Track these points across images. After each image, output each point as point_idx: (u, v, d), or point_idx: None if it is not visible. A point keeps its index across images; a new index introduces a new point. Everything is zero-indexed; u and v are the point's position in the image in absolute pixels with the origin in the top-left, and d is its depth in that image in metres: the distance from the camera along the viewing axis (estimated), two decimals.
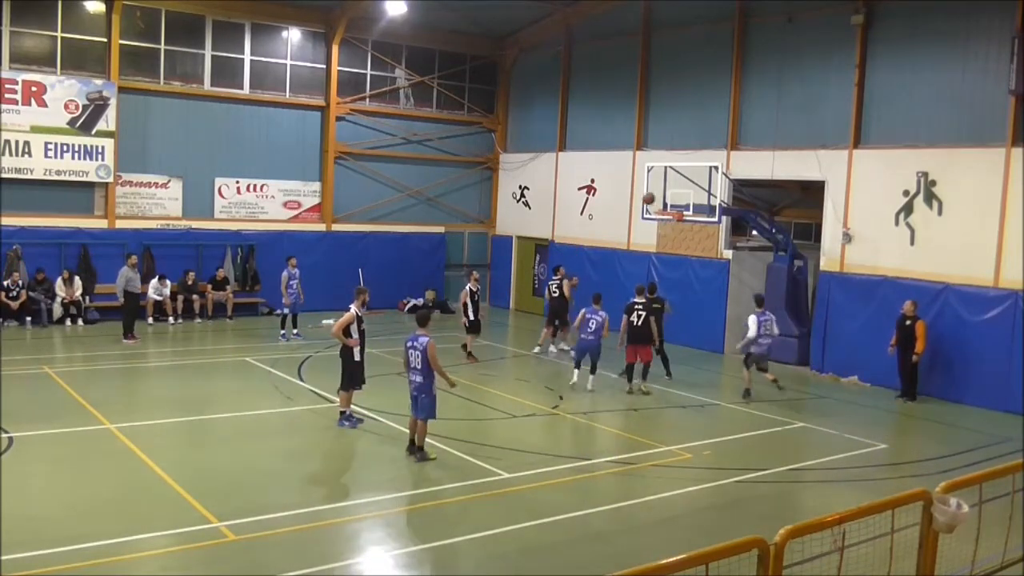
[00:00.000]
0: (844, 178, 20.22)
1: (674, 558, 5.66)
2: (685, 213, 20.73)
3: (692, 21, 23.92)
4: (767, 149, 21.79)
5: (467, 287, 20.84)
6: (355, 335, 13.74)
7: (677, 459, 13.23)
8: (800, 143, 21.16)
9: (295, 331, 21.88)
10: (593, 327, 17.32)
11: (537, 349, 21.74)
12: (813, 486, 12.62)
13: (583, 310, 17.68)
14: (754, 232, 24.04)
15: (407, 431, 12.92)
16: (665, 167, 21.39)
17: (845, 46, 20.25)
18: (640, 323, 17.41)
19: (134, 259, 21.38)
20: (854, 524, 7.10)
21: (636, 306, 17.53)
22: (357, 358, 13.83)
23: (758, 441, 14.71)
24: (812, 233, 23.90)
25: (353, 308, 13.74)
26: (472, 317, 20.50)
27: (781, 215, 25.31)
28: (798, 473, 12.99)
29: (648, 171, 21.82)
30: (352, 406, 14.23)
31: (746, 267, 22.78)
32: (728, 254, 22.81)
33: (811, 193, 22.02)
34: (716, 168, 20.70)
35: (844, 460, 13.53)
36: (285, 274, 21.57)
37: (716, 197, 20.53)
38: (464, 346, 20.40)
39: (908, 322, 17.74)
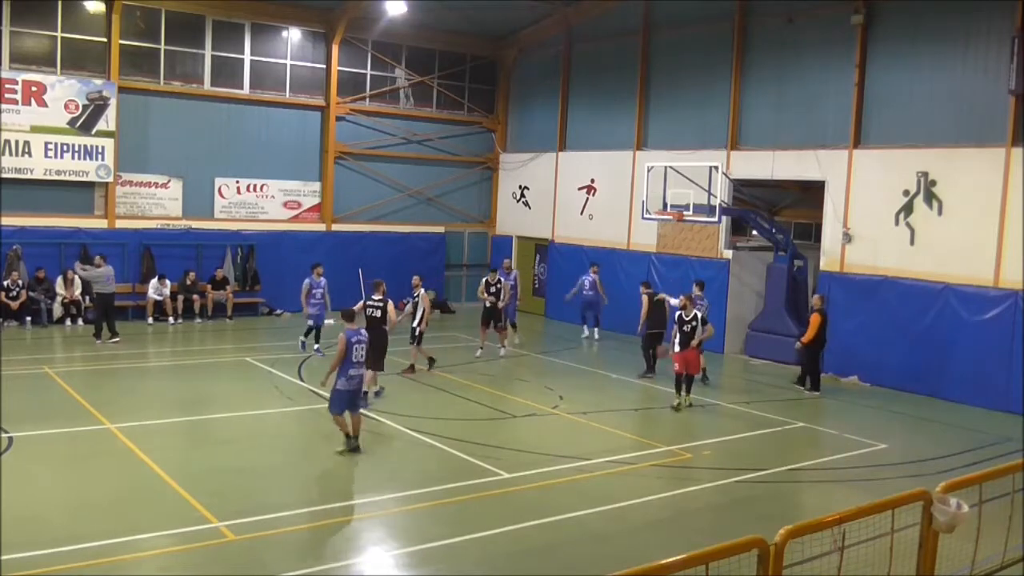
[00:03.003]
0: (844, 178, 20.22)
1: (674, 558, 5.66)
2: (685, 213, 20.73)
3: (692, 21, 23.92)
4: (767, 149, 21.80)
5: (484, 279, 21.14)
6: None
7: (677, 459, 13.23)
8: (800, 143, 21.16)
9: (316, 346, 20.05)
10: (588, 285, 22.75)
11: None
12: (813, 486, 12.63)
13: (582, 277, 22.92)
14: (754, 232, 24.05)
15: (407, 431, 12.90)
16: (665, 167, 21.40)
17: (845, 46, 20.26)
18: (691, 330, 16.43)
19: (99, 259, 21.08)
20: (854, 524, 7.11)
21: (685, 319, 16.50)
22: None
23: (758, 441, 14.71)
24: (812, 233, 23.90)
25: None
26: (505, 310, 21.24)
27: (781, 215, 25.33)
28: (798, 473, 12.99)
29: (648, 171, 21.83)
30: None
31: (746, 267, 22.78)
32: (728, 254, 22.81)
33: (811, 193, 22.04)
34: (716, 168, 20.69)
35: (844, 460, 13.54)
36: (307, 283, 19.85)
37: (716, 197, 20.53)
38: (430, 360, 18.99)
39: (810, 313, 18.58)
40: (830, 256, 20.55)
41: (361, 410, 13.15)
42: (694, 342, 16.40)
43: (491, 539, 9.80)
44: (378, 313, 15.71)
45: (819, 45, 21.05)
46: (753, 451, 14.04)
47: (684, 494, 11.82)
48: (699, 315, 16.57)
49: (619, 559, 9.20)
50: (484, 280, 21.05)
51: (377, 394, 16.06)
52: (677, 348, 16.44)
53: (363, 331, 12.85)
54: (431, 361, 18.74)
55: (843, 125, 20.28)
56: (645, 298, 19.51)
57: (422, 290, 18.62)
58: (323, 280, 20.03)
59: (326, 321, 20.40)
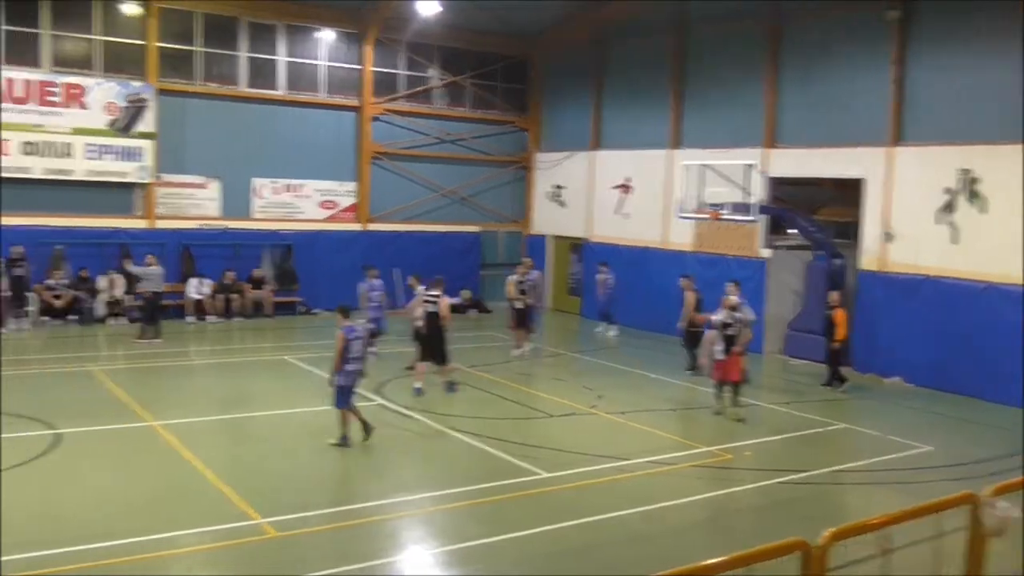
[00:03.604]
0: (883, 175, 19.98)
1: (716, 560, 5.60)
2: (722, 212, 20.59)
3: (726, 17, 23.75)
4: (804, 147, 21.60)
5: (512, 277, 20.94)
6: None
7: (717, 460, 13.15)
8: (837, 140, 20.94)
9: (372, 349, 19.34)
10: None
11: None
12: (856, 488, 12.47)
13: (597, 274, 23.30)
14: (792, 231, 23.82)
15: (447, 430, 12.93)
16: (701, 165, 21.28)
17: (882, 42, 20.01)
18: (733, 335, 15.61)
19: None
20: (899, 527, 7.01)
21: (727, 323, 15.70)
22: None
23: (800, 442, 14.58)
24: (851, 231, 23.62)
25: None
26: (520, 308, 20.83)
27: (819, 213, 25.04)
28: (840, 475, 12.83)
29: (684, 169, 21.71)
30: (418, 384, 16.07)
31: (784, 266, 22.57)
32: (766, 253, 22.63)
33: (849, 191, 21.77)
34: (753, 166, 20.53)
35: (888, 462, 13.35)
36: (363, 287, 19.42)
37: (753, 195, 20.36)
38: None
39: (828, 311, 18.33)
40: (870, 255, 20.32)
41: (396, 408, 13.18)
42: (736, 348, 15.51)
43: (530, 539, 9.80)
44: (433, 308, 16.39)
45: (855, 41, 20.80)
46: (794, 452, 13.91)
47: (725, 495, 11.75)
48: (740, 318, 15.69)
49: (659, 560, 9.14)
50: (514, 278, 20.96)
51: (451, 386, 16.55)
52: (720, 355, 15.52)
53: (359, 327, 13.04)
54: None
55: (881, 122, 20.03)
56: (690, 293, 19.32)
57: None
58: (378, 282, 19.51)
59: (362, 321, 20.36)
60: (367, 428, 13.01)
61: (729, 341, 15.49)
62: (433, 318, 16.41)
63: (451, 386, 16.65)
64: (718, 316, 15.83)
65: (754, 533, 9.98)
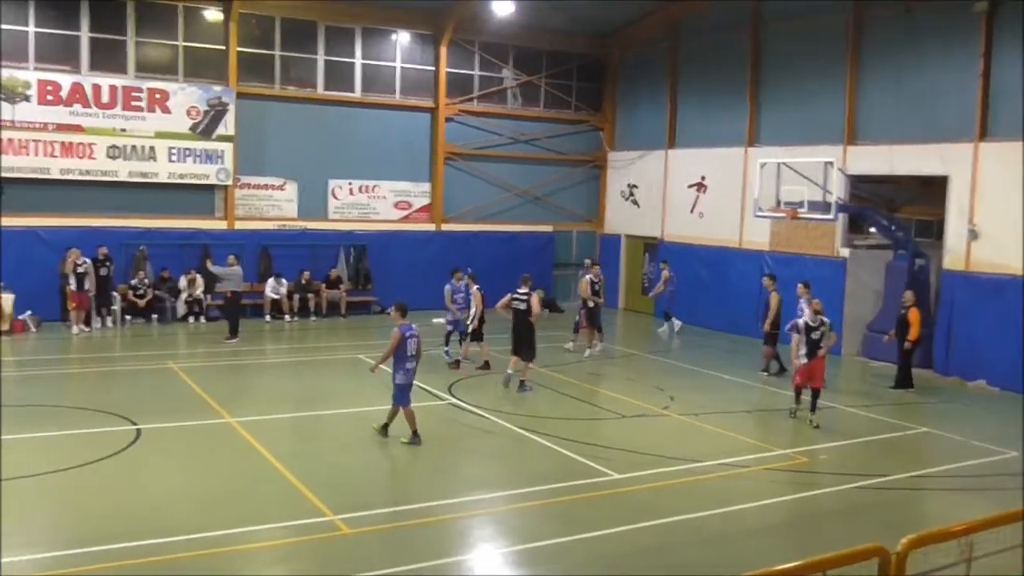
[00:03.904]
0: (968, 172, 19.39)
1: (791, 564, 5.50)
2: (799, 210, 20.23)
3: (804, 12, 23.31)
4: (885, 143, 21.09)
5: (587, 276, 20.80)
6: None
7: (793, 463, 12.91)
8: (920, 137, 20.39)
9: (446, 348, 19.61)
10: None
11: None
12: (936, 494, 12.11)
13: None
14: (872, 230, 23.28)
15: (518, 429, 12.93)
16: (778, 163, 20.95)
17: (967, 35, 19.43)
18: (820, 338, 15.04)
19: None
20: (982, 535, 6.78)
21: (812, 326, 15.04)
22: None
23: (878, 446, 14.23)
24: (934, 230, 22.99)
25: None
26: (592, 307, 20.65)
27: (901, 212, 24.43)
28: (920, 480, 12.48)
29: (761, 167, 21.40)
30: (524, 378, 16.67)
31: (864, 266, 22.07)
32: (845, 252, 22.15)
33: (932, 188, 21.19)
34: (831, 164, 20.14)
35: (971, 468, 12.95)
36: (448, 288, 19.29)
37: (832, 194, 19.96)
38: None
39: (903, 310, 17.89)
40: (954, 254, 19.74)
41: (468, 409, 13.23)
42: (821, 351, 14.96)
43: (601, 539, 9.73)
44: (523, 306, 16.89)
45: (940, 35, 20.25)
46: (873, 456, 13.58)
47: (800, 499, 11.52)
48: (826, 321, 15.10)
49: (734, 563, 9.04)
50: (588, 278, 20.87)
51: (522, 385, 16.74)
52: (803, 360, 14.96)
53: (415, 326, 13.16)
54: (485, 364, 18.54)
55: (967, 117, 19.44)
56: (774, 294, 18.92)
57: (475, 287, 18.81)
58: (463, 284, 19.35)
59: (434, 320, 20.56)
60: (387, 428, 13.22)
61: (813, 345, 14.92)
62: (522, 315, 16.89)
63: (523, 385, 16.68)
64: (803, 319, 15.30)
65: (830, 538, 9.77)
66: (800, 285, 17.91)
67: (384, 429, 13.24)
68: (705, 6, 25.99)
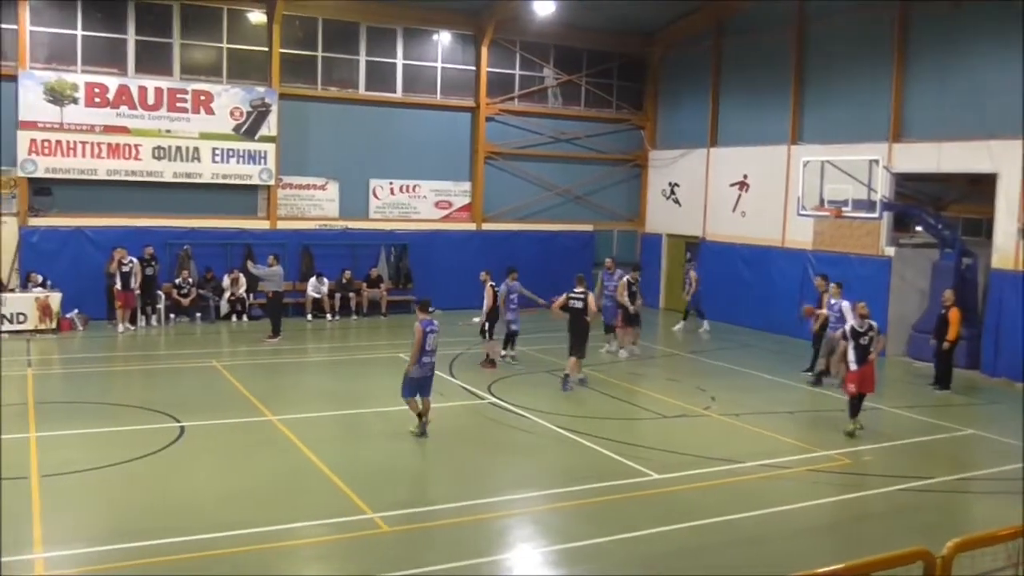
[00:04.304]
0: (1018, 170, 18.97)
1: (832, 567, 5.42)
2: (843, 209, 19.97)
3: (849, 10, 23.01)
4: (932, 141, 20.74)
5: (625, 279, 20.58)
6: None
7: (835, 464, 12.74)
8: (968, 134, 20.01)
9: (504, 352, 19.34)
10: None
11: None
12: (984, 497, 11.90)
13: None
14: (918, 228, 22.92)
15: (557, 429, 12.89)
16: (822, 161, 20.71)
17: (1017, 29, 19.02)
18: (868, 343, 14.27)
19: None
20: None
21: (859, 331, 14.29)
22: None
23: (923, 448, 14.00)
24: (983, 229, 22.59)
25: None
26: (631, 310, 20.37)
27: (948, 210, 24.03)
28: (967, 483, 12.27)
29: (804, 166, 21.17)
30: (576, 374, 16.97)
31: (910, 265, 21.72)
32: (890, 251, 21.82)
33: (981, 186, 20.83)
34: (876, 162, 19.86)
35: (1018, 471, 12.66)
36: (503, 288, 18.85)
37: (876, 192, 19.69)
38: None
39: (944, 310, 17.59)
40: (1002, 253, 19.36)
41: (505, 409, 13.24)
42: (871, 356, 14.22)
43: (641, 539, 9.68)
44: (580, 304, 17.02)
45: (988, 29, 19.87)
46: (917, 458, 13.37)
47: (842, 501, 11.37)
48: (874, 325, 14.32)
49: (774, 565, 8.96)
50: (626, 280, 20.58)
51: (582, 382, 17.06)
52: (853, 366, 14.21)
53: (436, 322, 13.43)
54: (490, 361, 18.72)
55: (1016, 113, 19.03)
56: (826, 296, 18.37)
57: (491, 283, 18.85)
58: (517, 284, 19.13)
59: (474, 319, 20.51)
60: (423, 425, 13.36)
61: (862, 351, 14.18)
62: (579, 315, 17.02)
63: (567, 382, 16.73)
64: (849, 323, 14.65)
65: (873, 541, 9.64)
66: (833, 285, 17.71)
67: (421, 429, 13.30)
68: (749, 4, 25.77)
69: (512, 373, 18.13)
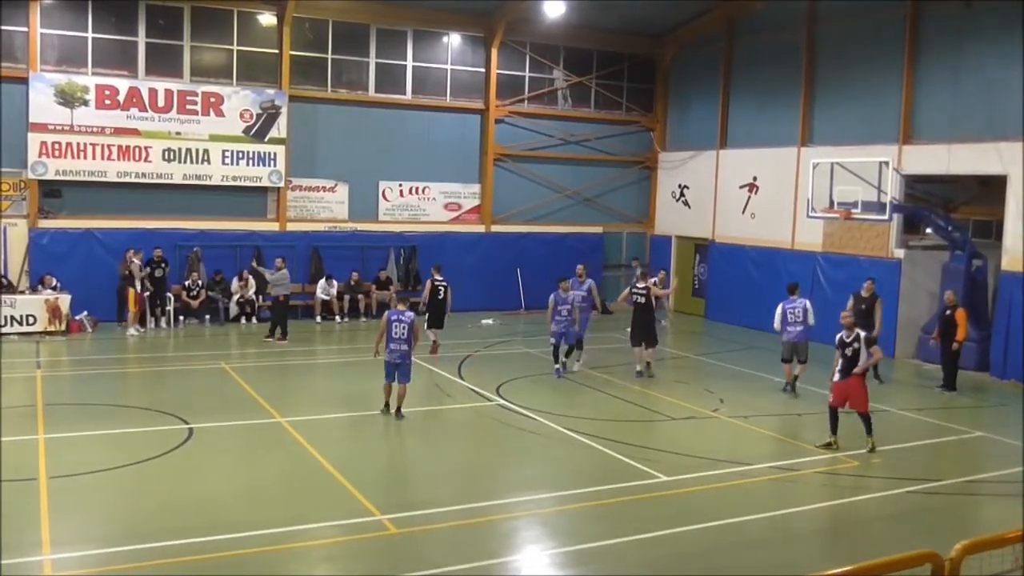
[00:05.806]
0: None
1: (840, 569, 5.41)
2: (853, 211, 19.92)
3: (860, 10, 22.95)
4: (942, 142, 20.68)
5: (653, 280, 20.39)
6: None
7: (843, 466, 12.70)
8: (979, 135, 19.96)
9: (556, 366, 18.21)
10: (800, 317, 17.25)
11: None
12: (992, 500, 11.84)
13: (782, 303, 17.45)
14: (928, 230, 22.85)
15: (565, 430, 12.89)
16: (832, 163, 20.66)
17: None
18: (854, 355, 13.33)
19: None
20: None
21: (846, 341, 13.42)
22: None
23: (932, 450, 13.96)
24: (993, 231, 22.49)
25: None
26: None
27: (958, 212, 23.95)
28: (975, 485, 12.23)
29: (814, 168, 21.12)
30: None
31: (919, 267, 21.67)
32: (900, 253, 21.76)
33: (991, 188, 20.75)
34: (886, 163, 19.80)
35: None
36: (552, 298, 18.03)
37: (886, 194, 19.63)
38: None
39: (948, 311, 17.54)
40: (1012, 255, 19.28)
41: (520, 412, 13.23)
42: (857, 369, 13.20)
43: (648, 542, 9.66)
44: (642, 299, 18.32)
45: (999, 31, 19.80)
46: (926, 461, 13.34)
47: (851, 503, 11.34)
48: (862, 335, 13.36)
49: (782, 567, 8.94)
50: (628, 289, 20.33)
51: (639, 374, 18.21)
52: (836, 376, 13.43)
53: (406, 313, 14.20)
54: (434, 346, 19.81)
55: None
56: (854, 301, 18.03)
57: (438, 277, 20.33)
58: (571, 295, 18.15)
59: (483, 321, 20.54)
60: (389, 407, 14.35)
61: (847, 362, 13.29)
62: (643, 308, 18.30)
63: (649, 368, 18.39)
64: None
65: (881, 543, 9.61)
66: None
67: (386, 408, 14.37)
68: (759, 5, 25.74)
69: (520, 375, 18.12)
